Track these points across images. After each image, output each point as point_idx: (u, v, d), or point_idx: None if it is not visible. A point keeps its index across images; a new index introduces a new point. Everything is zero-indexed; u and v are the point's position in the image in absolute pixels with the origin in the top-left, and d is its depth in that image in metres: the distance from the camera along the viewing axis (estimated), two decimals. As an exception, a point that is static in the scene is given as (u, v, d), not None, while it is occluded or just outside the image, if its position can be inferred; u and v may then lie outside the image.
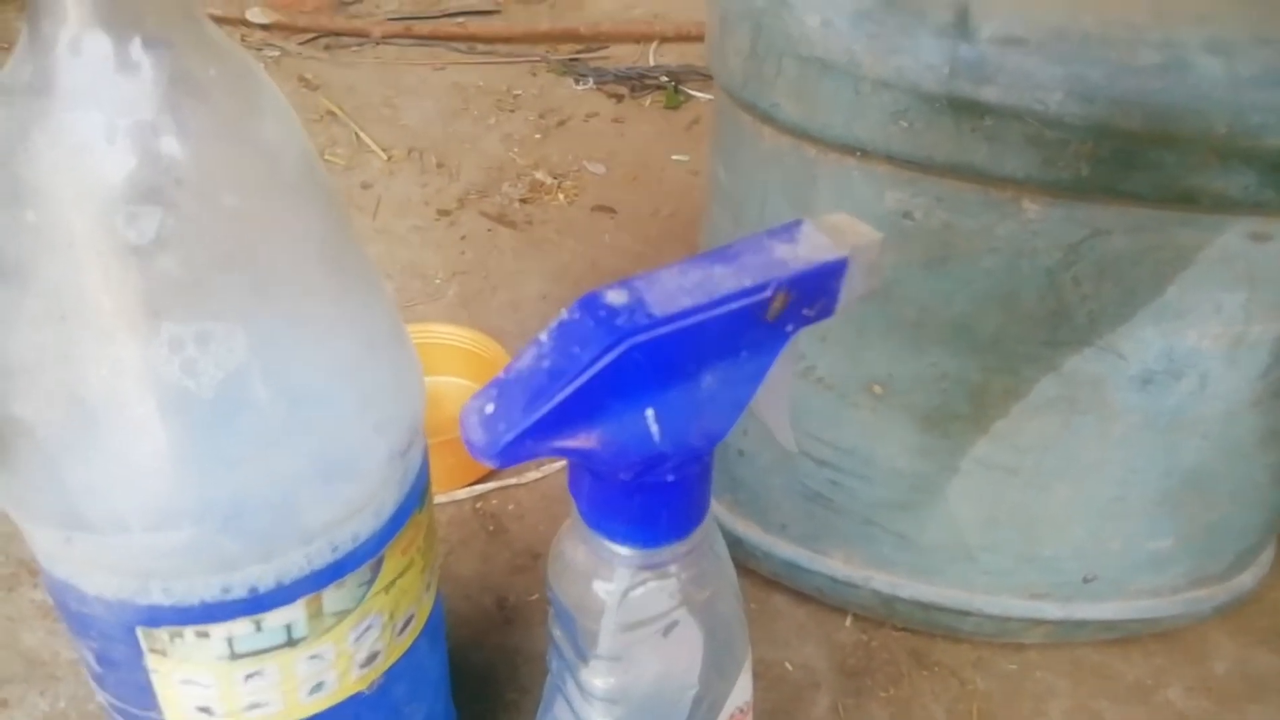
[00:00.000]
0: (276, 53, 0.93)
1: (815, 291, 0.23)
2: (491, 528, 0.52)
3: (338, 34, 0.95)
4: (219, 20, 0.96)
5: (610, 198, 0.78)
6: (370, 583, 0.28)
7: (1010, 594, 0.45)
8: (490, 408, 0.21)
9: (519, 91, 0.91)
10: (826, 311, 0.24)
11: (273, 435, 0.24)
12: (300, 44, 0.94)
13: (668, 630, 0.27)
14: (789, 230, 0.23)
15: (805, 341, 0.42)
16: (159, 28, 0.21)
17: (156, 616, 0.25)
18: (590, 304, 0.21)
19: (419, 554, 0.31)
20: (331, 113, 0.85)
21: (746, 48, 0.36)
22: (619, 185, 0.79)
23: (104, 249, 0.21)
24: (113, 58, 0.20)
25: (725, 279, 0.22)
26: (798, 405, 0.43)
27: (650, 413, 0.22)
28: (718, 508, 0.49)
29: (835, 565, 0.47)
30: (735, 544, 0.49)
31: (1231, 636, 0.49)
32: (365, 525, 0.27)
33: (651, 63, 0.97)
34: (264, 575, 0.25)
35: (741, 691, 0.31)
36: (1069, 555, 0.43)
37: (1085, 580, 0.44)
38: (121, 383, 0.22)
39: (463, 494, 0.54)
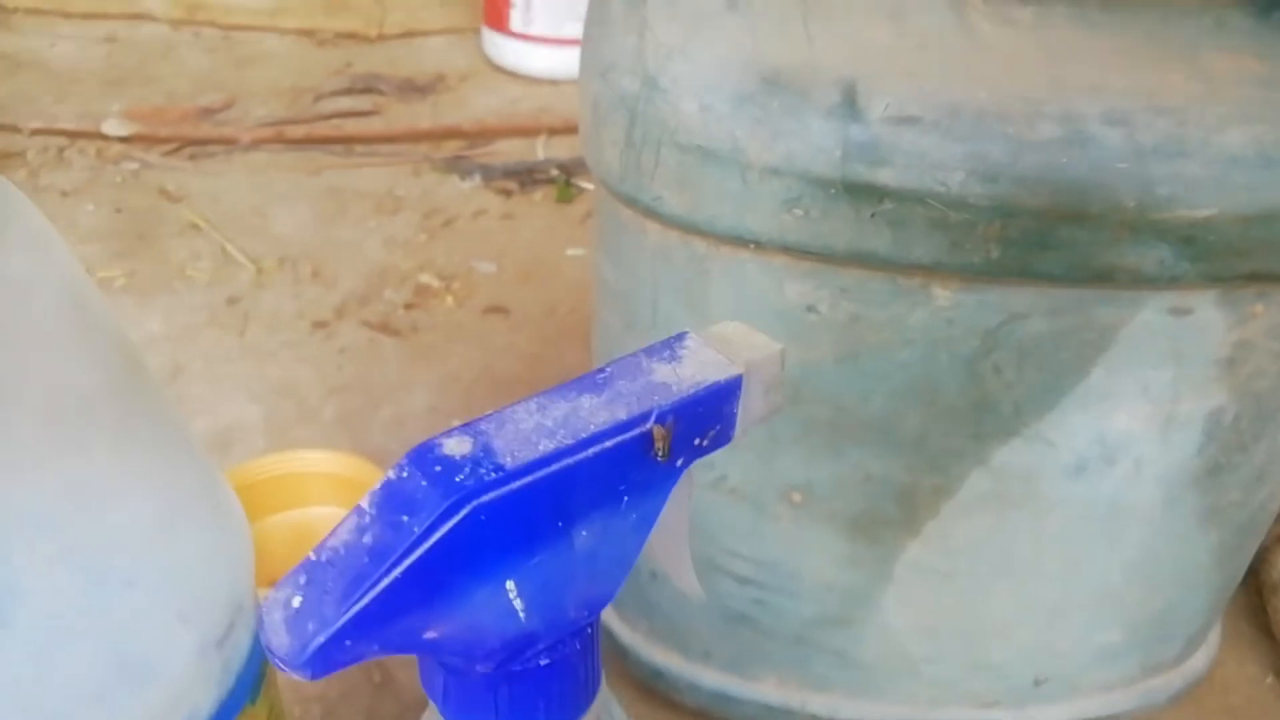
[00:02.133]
0: (136, 165, 0.88)
1: (707, 417, 0.19)
2: (378, 678, 0.46)
3: (203, 142, 0.90)
4: (71, 135, 0.90)
5: (503, 298, 0.74)
6: (194, 807, 0.23)
7: (959, 705, 0.42)
8: (296, 600, 0.16)
9: (401, 193, 0.87)
10: (723, 439, 0.20)
11: (31, 644, 0.18)
12: (163, 154, 0.89)
13: None
14: (670, 346, 0.20)
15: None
16: None
17: None
18: (422, 458, 0.16)
19: (260, 757, 0.25)
20: (195, 225, 0.80)
21: (622, 138, 0.33)
22: (511, 285, 0.76)
23: None
24: None
25: (595, 413, 0.18)
26: (712, 519, 0.39)
27: (511, 586, 0.17)
28: (633, 637, 0.44)
29: (768, 691, 0.42)
30: (655, 676, 0.44)
31: (1188, 724, 0.46)
32: (175, 739, 0.22)
33: (540, 156, 0.94)
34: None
35: None
36: (1017, 658, 0.40)
37: (1036, 683, 0.41)
38: None
39: (346, 645, 0.47)
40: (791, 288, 0.33)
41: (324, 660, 0.16)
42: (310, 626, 0.16)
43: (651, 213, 0.33)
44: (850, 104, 0.30)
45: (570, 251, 0.80)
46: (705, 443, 0.19)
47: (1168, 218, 0.30)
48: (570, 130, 0.98)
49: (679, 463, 0.19)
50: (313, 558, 0.16)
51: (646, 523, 0.19)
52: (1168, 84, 0.31)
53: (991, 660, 0.40)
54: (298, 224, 0.81)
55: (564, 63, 1.09)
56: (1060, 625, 0.39)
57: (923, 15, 0.31)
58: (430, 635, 0.17)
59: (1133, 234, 0.30)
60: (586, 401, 0.18)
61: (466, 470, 0.16)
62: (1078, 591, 0.38)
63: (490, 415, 0.18)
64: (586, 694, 0.21)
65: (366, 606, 0.16)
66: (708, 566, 0.40)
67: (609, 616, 0.45)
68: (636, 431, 0.18)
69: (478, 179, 0.89)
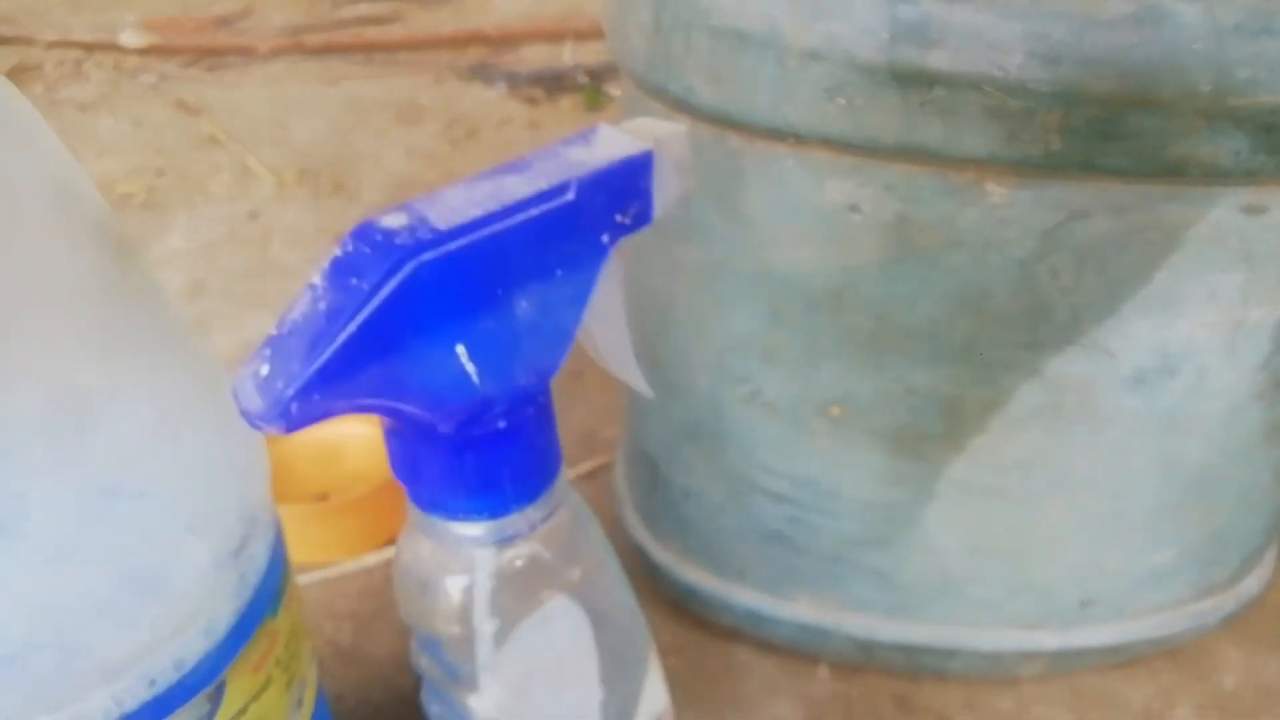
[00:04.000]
0: (154, 77, 0.86)
1: (625, 193, 0.21)
2: (410, 597, 0.46)
3: (221, 53, 0.88)
4: (88, 47, 0.88)
5: (529, 210, 0.72)
6: (210, 716, 0.23)
7: (1001, 627, 0.40)
8: (265, 369, 0.17)
9: (423, 102, 0.84)
10: (644, 217, 0.22)
11: (42, 558, 0.18)
12: (181, 66, 0.87)
13: (547, 622, 0.24)
14: (584, 136, 0.22)
15: (748, 362, 0.36)
16: None
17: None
18: (365, 232, 0.18)
19: (279, 668, 0.25)
20: (214, 138, 0.78)
21: (649, 21, 0.30)
22: (538, 196, 0.74)
23: None
24: None
25: (518, 187, 0.20)
26: (746, 434, 0.37)
27: (462, 350, 0.19)
28: (665, 555, 0.44)
29: (803, 611, 0.41)
30: (688, 595, 0.43)
31: (1238, 646, 0.45)
32: (192, 648, 0.22)
33: (567, 62, 0.91)
34: (56, 731, 0.20)
35: (654, 696, 0.28)
36: (1064, 579, 0.39)
37: (1083, 604, 0.40)
38: None
39: (372, 559, 0.47)
40: (833, 186, 0.30)
41: (298, 413, 0.17)
42: (279, 385, 0.17)
43: (682, 104, 0.31)
44: (900, -21, 0.27)
45: (598, 162, 0.78)
46: (627, 220, 0.21)
47: (1247, 104, 0.27)
48: (599, 34, 0.94)
49: (604, 239, 0.21)
50: (274, 332, 0.18)
51: (580, 297, 0.21)
52: (1256, -49, 0.28)
53: (1037, 581, 0.39)
54: (318, 135, 0.79)
55: (591, -36, 1.04)
56: (1111, 545, 0.38)
57: (983, -124, 0.28)
58: (394, 396, 0.19)
59: (1207, 122, 0.28)
60: (510, 180, 0.20)
61: (405, 235, 0.18)
62: (1132, 509, 0.37)
63: (420, 197, 0.19)
64: (547, 468, 0.23)
65: (328, 360, 0.17)
66: (742, 484, 0.38)
67: (642, 534, 0.45)
68: (558, 202, 0.20)
69: (503, 86, 0.86)
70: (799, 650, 0.43)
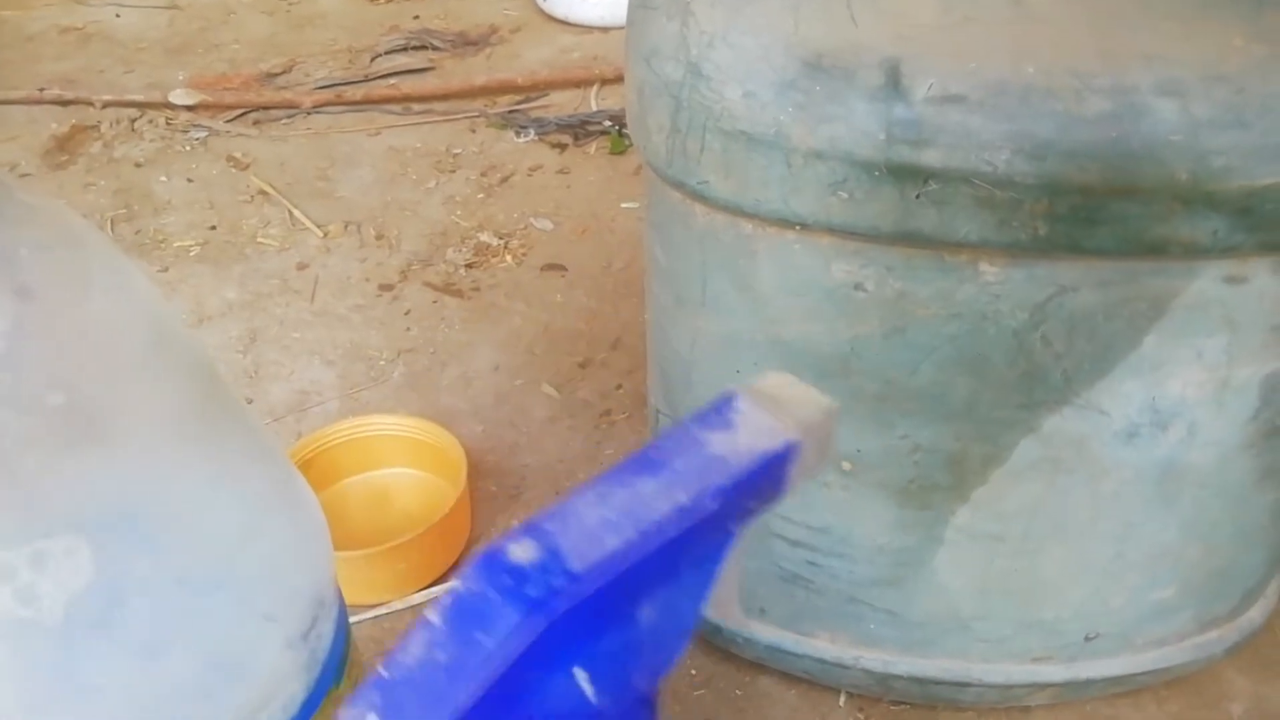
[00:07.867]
0: (204, 133, 0.90)
1: (764, 485, 0.19)
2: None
3: (266, 108, 0.92)
4: (141, 106, 0.93)
5: (560, 254, 0.75)
6: (285, 781, 0.25)
7: (1011, 660, 0.43)
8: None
9: (459, 150, 0.88)
10: (775, 499, 0.20)
11: (139, 651, 0.21)
12: (228, 121, 0.91)
13: None
14: (721, 413, 0.19)
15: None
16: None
17: None
18: (490, 568, 0.16)
19: (347, 729, 0.27)
20: (263, 192, 0.82)
21: (667, 123, 0.33)
22: (568, 240, 0.77)
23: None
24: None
25: (656, 499, 0.18)
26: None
27: (580, 673, 0.18)
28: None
29: (822, 646, 0.44)
30: (713, 631, 0.46)
31: (1245, 674, 0.47)
32: (268, 722, 0.24)
33: (594, 107, 0.94)
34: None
35: None
36: (1069, 616, 0.41)
37: (1088, 639, 0.42)
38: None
39: (419, 598, 0.50)
40: (838, 267, 0.33)
41: None
42: None
43: (698, 196, 0.34)
44: (894, 85, 0.30)
45: (625, 204, 0.81)
46: (759, 505, 0.20)
47: (1222, 189, 0.30)
48: (622, 80, 0.97)
49: (733, 527, 0.19)
50: (385, 675, 0.16)
51: (703, 588, 0.20)
52: (1227, 49, 0.30)
53: (1043, 618, 0.41)
54: (360, 186, 0.83)
55: (614, 9, 1.08)
56: (1113, 584, 0.40)
57: (969, -12, 0.31)
58: None
59: (1185, 206, 0.30)
60: (647, 486, 0.18)
61: (535, 580, 0.16)
62: (1132, 551, 0.39)
63: (552, 512, 0.17)
64: None
65: None
66: (760, 529, 0.41)
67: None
68: (698, 516, 0.18)
69: (532, 133, 0.90)
70: (819, 681, 0.45)
